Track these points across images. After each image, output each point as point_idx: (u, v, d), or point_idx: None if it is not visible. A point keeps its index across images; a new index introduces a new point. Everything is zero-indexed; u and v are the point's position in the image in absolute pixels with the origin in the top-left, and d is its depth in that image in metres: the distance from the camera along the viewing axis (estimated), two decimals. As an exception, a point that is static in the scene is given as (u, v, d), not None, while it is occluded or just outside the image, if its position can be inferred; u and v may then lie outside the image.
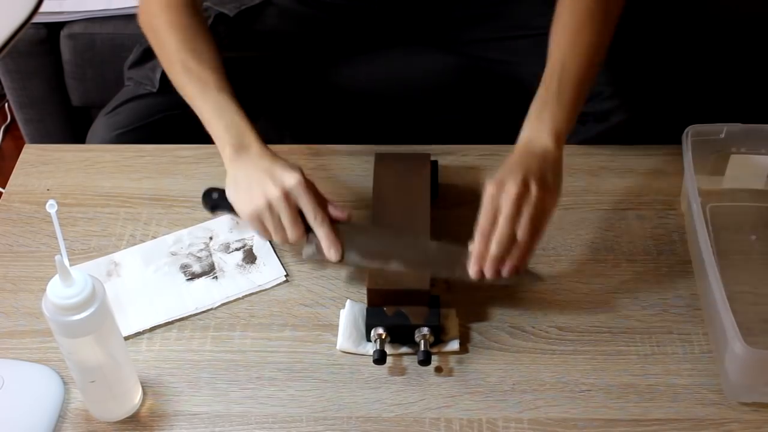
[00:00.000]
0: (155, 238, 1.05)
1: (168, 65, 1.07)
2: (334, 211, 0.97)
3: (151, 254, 1.03)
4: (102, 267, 1.02)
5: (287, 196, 0.94)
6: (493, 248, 0.89)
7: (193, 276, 1.01)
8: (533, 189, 0.89)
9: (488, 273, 0.91)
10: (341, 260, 0.96)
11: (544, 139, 0.94)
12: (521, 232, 0.89)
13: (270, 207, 0.94)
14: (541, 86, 0.98)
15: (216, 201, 1.02)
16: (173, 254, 1.03)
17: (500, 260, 0.90)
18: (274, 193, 0.93)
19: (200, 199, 1.08)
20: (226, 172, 0.99)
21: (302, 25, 1.30)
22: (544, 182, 0.91)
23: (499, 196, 0.90)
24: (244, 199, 0.96)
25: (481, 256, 0.90)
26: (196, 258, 1.03)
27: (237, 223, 1.05)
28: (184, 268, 1.02)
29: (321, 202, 0.96)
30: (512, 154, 0.94)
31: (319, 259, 0.97)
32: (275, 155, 0.98)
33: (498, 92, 1.36)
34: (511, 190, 0.89)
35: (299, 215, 0.95)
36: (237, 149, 0.98)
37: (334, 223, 0.96)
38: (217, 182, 1.11)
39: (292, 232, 0.95)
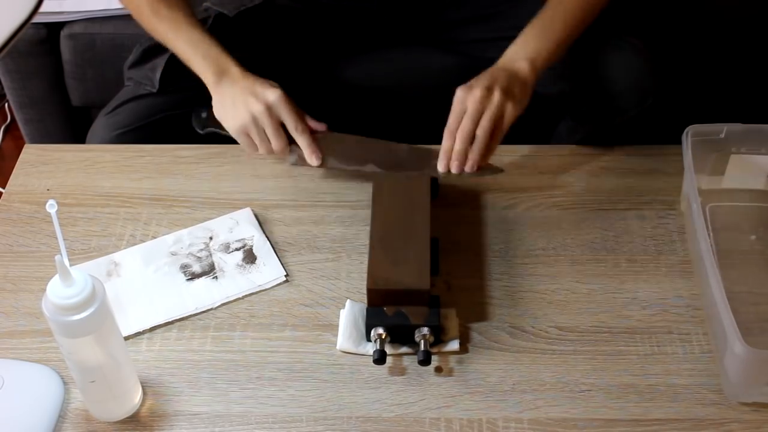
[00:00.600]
0: (155, 238, 1.05)
1: (138, 14, 1.13)
2: (312, 123, 1.06)
3: (151, 254, 1.03)
4: (102, 267, 1.02)
5: (269, 110, 1.02)
6: (457, 143, 1.00)
7: (193, 276, 1.01)
8: (496, 94, 1.00)
9: (453, 167, 1.02)
10: (322, 164, 1.06)
11: (521, 62, 1.04)
12: (481, 130, 1.00)
13: (255, 121, 1.03)
14: (536, 16, 1.07)
15: (205, 120, 1.10)
16: (173, 254, 1.03)
17: (464, 155, 1.01)
18: (258, 108, 1.02)
19: (201, 199, 1.09)
20: (212, 96, 1.06)
21: (302, 26, 1.30)
22: (508, 92, 1.01)
23: (466, 98, 1.00)
24: (231, 116, 1.04)
25: (447, 150, 1.02)
26: (196, 258, 1.03)
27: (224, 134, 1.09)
28: (184, 268, 1.02)
29: (300, 114, 1.05)
30: (487, 71, 1.03)
31: (302, 165, 1.06)
32: (255, 76, 1.05)
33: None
34: (476, 93, 1.00)
35: (282, 127, 1.04)
36: (218, 74, 1.06)
37: (314, 133, 1.05)
38: (216, 182, 1.12)
39: (276, 142, 1.04)
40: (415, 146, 1.08)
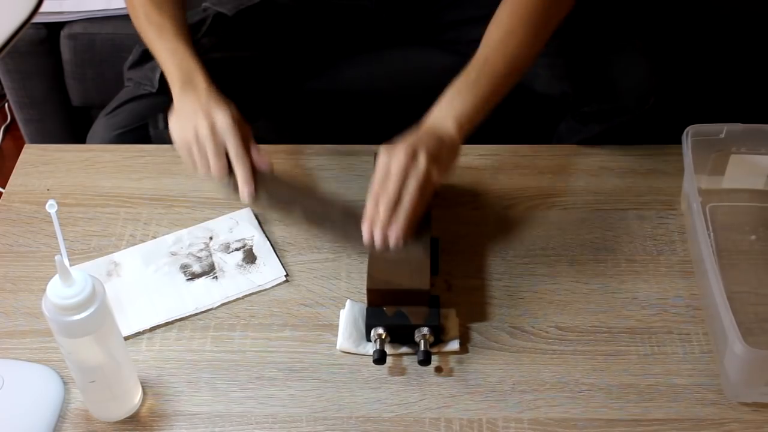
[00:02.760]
0: (155, 238, 1.05)
1: (134, 16, 1.14)
2: (257, 158, 1.02)
3: (151, 254, 1.03)
4: (102, 267, 1.02)
5: (214, 132, 1.00)
6: (381, 210, 0.93)
7: (193, 276, 1.01)
8: (422, 158, 0.94)
9: (377, 237, 0.94)
10: (253, 201, 1.01)
11: (447, 124, 0.99)
12: (407, 196, 0.93)
13: (198, 139, 1.00)
14: (461, 74, 1.02)
15: (161, 130, 1.09)
16: (173, 254, 1.03)
17: (387, 223, 0.93)
18: (203, 128, 1.00)
19: (201, 199, 1.09)
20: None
21: (301, 25, 1.30)
22: (434, 157, 0.95)
23: (390, 162, 0.94)
24: (178, 129, 1.03)
25: (370, 217, 0.95)
26: (196, 258, 1.03)
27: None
28: (184, 268, 1.02)
29: (246, 143, 1.01)
30: (413, 131, 0.98)
31: (234, 196, 1.02)
32: (218, 96, 1.03)
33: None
34: (400, 156, 0.94)
35: (225, 153, 1.00)
36: (184, 85, 1.05)
37: (256, 169, 1.01)
38: (216, 182, 1.11)
39: (214, 164, 1.00)
40: (350, 211, 1.00)
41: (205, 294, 0.99)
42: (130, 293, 0.99)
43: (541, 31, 1.05)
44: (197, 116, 1.01)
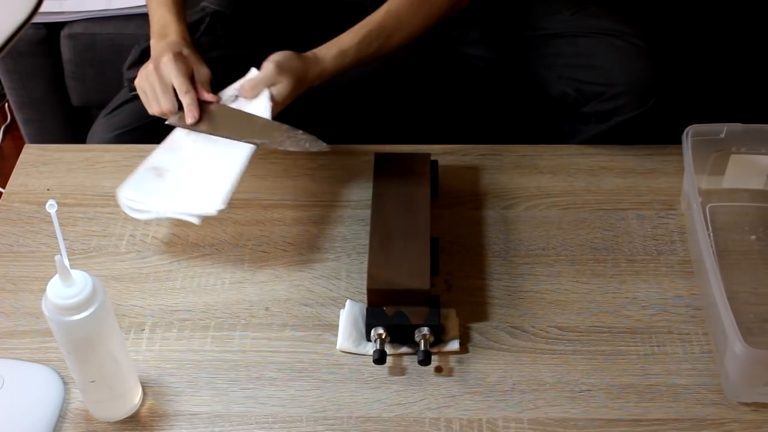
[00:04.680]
0: (155, 238, 1.05)
1: None
2: (204, 92, 1.07)
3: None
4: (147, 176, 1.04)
5: (159, 70, 1.05)
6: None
7: None
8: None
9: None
10: (196, 124, 1.05)
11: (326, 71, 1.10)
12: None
13: (146, 79, 1.06)
14: (351, 30, 1.11)
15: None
16: None
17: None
18: (149, 67, 1.06)
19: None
20: None
21: (300, 23, 1.30)
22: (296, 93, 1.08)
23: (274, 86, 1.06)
24: (137, 77, 1.09)
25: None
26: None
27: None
28: None
29: (188, 76, 1.06)
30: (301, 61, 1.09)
31: (181, 126, 1.06)
32: (180, 44, 1.08)
33: (497, 92, 1.36)
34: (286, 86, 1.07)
35: (173, 91, 1.05)
36: (158, 38, 1.10)
37: (204, 103, 1.06)
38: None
39: (162, 101, 1.05)
40: (271, 122, 1.08)
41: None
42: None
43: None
44: (150, 61, 1.07)
